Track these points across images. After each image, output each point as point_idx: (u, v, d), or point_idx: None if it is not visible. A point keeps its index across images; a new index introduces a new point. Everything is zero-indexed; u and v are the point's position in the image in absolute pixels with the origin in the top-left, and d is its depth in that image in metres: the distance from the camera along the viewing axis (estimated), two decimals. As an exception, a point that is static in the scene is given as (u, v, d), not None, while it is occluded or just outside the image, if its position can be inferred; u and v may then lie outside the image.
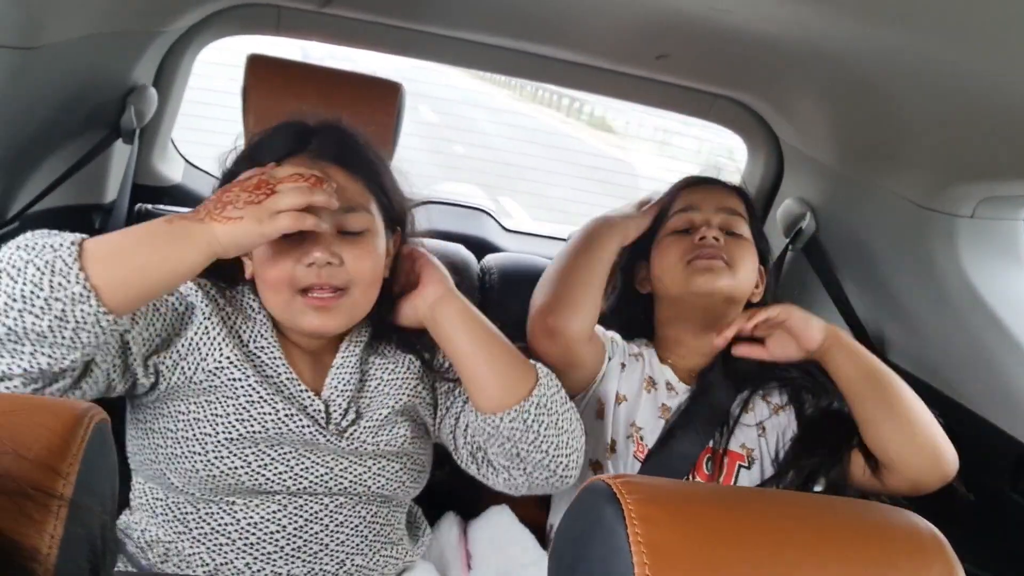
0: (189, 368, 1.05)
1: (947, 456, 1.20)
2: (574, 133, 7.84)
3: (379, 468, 1.12)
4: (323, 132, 1.11)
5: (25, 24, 1.13)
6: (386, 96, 1.62)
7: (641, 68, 1.72)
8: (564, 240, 1.89)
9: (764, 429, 1.32)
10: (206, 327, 1.06)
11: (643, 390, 1.33)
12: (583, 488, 0.56)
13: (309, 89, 1.60)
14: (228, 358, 1.06)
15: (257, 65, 1.60)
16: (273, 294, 1.06)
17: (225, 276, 1.12)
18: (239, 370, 1.06)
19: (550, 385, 1.13)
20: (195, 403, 1.05)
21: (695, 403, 1.31)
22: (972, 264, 1.39)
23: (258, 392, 1.06)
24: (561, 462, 1.13)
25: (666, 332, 1.39)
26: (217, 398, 1.05)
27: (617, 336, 1.39)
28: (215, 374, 1.05)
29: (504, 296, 1.65)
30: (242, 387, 1.06)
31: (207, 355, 1.05)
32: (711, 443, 1.29)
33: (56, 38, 1.20)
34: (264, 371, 1.08)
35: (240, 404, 1.05)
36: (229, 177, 1.09)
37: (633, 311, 1.43)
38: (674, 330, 1.37)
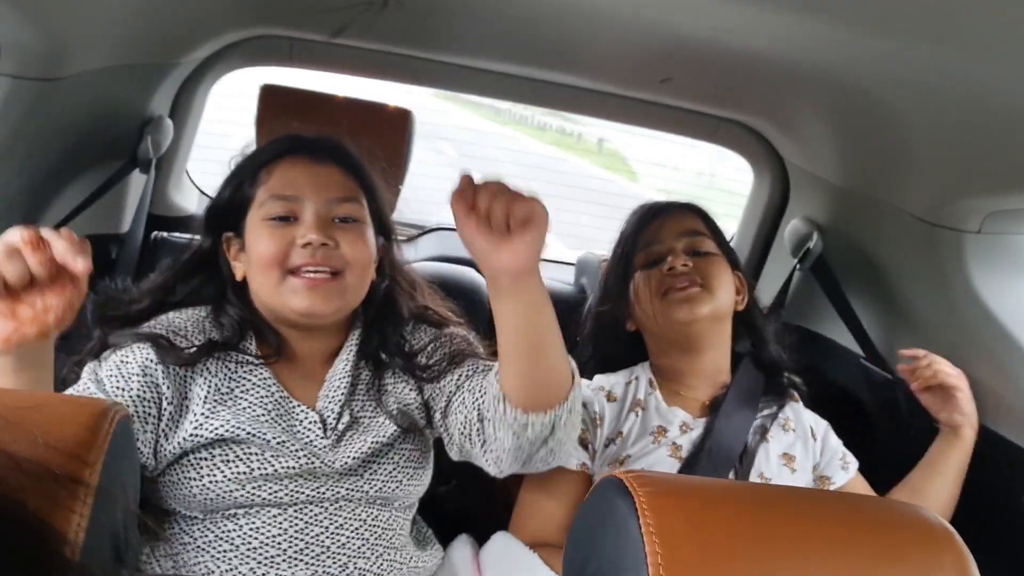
0: (182, 428, 1.07)
1: None
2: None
3: (371, 473, 1.13)
4: (319, 137, 1.17)
5: (47, 56, 1.17)
6: (396, 122, 1.66)
7: (646, 92, 1.75)
8: (571, 264, 1.92)
9: (792, 458, 1.31)
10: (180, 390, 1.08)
11: (651, 444, 1.30)
12: (597, 484, 0.57)
13: (321, 117, 1.64)
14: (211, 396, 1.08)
15: (269, 95, 1.64)
16: (265, 277, 1.08)
17: (212, 283, 1.16)
18: (226, 406, 1.08)
19: (578, 387, 1.06)
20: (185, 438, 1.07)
21: (709, 437, 1.28)
22: (981, 279, 1.39)
23: (247, 427, 1.07)
24: (562, 458, 1.11)
25: (663, 363, 1.37)
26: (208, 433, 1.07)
27: (616, 391, 1.35)
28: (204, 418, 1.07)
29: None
30: (234, 421, 1.07)
31: (192, 411, 1.08)
32: (731, 476, 1.26)
33: (76, 70, 1.24)
34: (252, 395, 1.09)
35: (233, 413, 1.07)
36: (229, 182, 1.16)
37: (620, 349, 1.42)
38: (669, 360, 1.36)
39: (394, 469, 1.15)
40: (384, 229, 1.21)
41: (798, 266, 1.73)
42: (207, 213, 1.18)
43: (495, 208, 0.93)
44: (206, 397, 1.08)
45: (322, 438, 1.10)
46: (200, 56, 1.70)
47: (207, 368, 1.09)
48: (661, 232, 1.37)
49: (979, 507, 1.33)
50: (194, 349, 1.09)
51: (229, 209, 1.15)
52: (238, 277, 1.15)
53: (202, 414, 1.06)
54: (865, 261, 1.61)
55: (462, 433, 1.11)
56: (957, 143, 1.27)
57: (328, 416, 1.12)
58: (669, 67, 1.55)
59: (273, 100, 1.66)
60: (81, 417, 0.44)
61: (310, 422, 1.11)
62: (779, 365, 1.40)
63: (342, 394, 1.13)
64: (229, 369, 1.11)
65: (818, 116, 1.56)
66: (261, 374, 1.11)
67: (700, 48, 1.33)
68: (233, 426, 1.06)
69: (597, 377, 1.39)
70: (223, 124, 2.16)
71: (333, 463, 1.10)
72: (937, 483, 1.33)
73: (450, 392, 1.16)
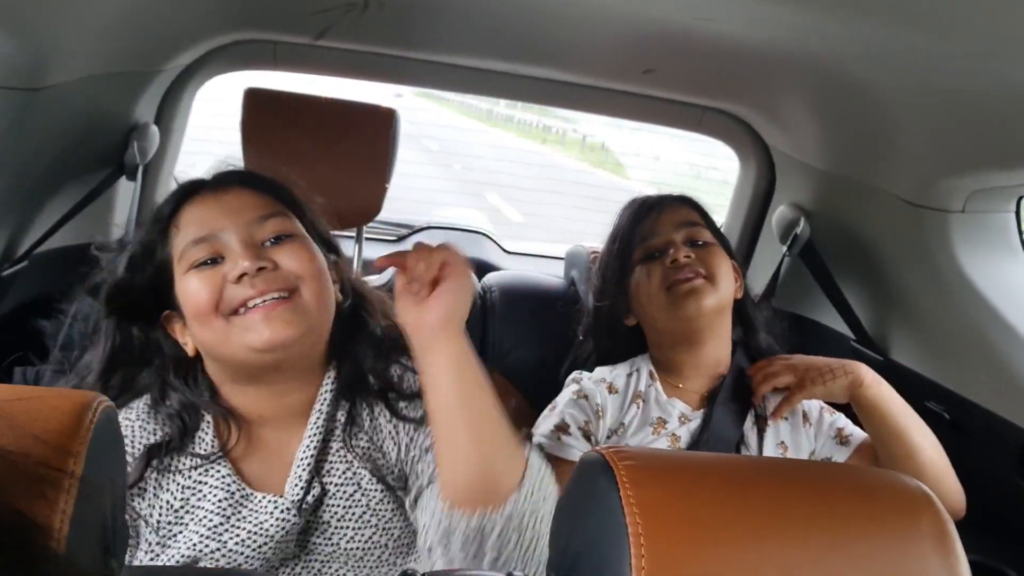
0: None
1: (958, 502, 1.23)
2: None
3: (357, 563, 1.01)
4: (216, 173, 1.06)
5: (30, 66, 1.17)
6: (381, 122, 1.66)
7: (629, 84, 1.76)
8: (560, 259, 1.93)
9: (786, 447, 1.32)
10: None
11: (651, 435, 1.30)
12: (579, 461, 0.57)
13: (306, 119, 1.65)
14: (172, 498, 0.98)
15: (254, 98, 1.65)
16: (207, 329, 0.95)
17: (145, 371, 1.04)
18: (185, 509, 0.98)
19: (536, 477, 0.90)
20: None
21: (707, 428, 1.30)
22: (967, 258, 1.40)
23: (205, 544, 0.95)
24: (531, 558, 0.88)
25: (663, 356, 1.38)
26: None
27: (618, 383, 1.35)
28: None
29: (506, 312, 1.70)
30: (190, 543, 0.96)
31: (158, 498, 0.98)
32: None
33: (60, 79, 1.24)
34: (209, 502, 0.97)
35: (190, 532, 0.96)
36: (139, 254, 1.02)
37: (619, 344, 1.42)
38: (670, 352, 1.36)
39: (387, 554, 1.02)
40: (328, 245, 1.07)
41: (787, 252, 1.74)
42: (115, 298, 1.02)
43: (419, 267, 0.91)
44: (160, 521, 0.96)
45: (295, 522, 0.96)
46: (184, 62, 1.71)
47: (159, 484, 0.97)
48: (658, 225, 1.36)
49: (971, 485, 1.34)
50: (132, 462, 0.96)
51: (153, 283, 1.01)
52: (191, 353, 1.01)
53: (157, 543, 0.96)
54: (853, 244, 1.62)
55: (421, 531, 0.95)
56: (939, 124, 1.28)
57: (294, 484, 0.98)
58: (651, 58, 1.56)
59: (258, 104, 1.66)
60: (64, 407, 0.45)
61: (281, 511, 0.96)
62: (770, 353, 1.41)
63: (309, 456, 0.99)
64: (183, 476, 0.98)
65: (801, 102, 1.57)
66: (218, 472, 0.98)
67: (682, 38, 1.33)
68: (190, 547, 0.95)
69: (599, 369, 1.39)
70: (210, 129, 2.17)
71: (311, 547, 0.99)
72: (891, 448, 1.23)
73: (430, 475, 0.98)
